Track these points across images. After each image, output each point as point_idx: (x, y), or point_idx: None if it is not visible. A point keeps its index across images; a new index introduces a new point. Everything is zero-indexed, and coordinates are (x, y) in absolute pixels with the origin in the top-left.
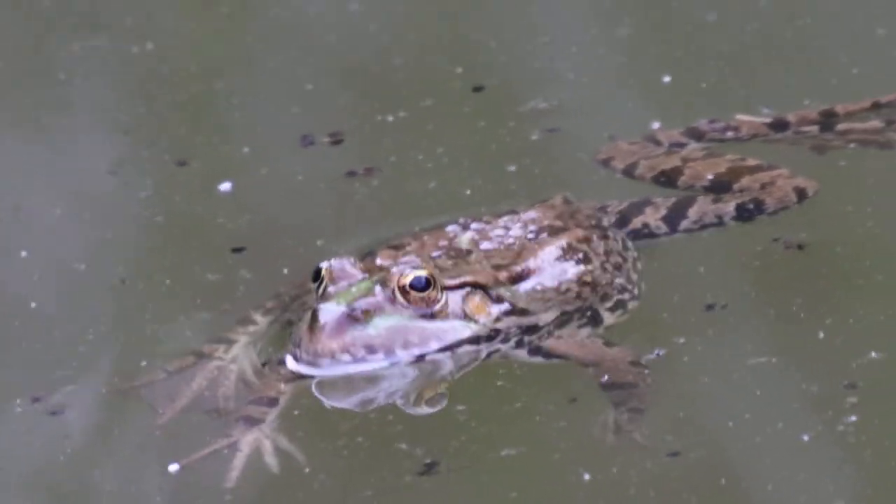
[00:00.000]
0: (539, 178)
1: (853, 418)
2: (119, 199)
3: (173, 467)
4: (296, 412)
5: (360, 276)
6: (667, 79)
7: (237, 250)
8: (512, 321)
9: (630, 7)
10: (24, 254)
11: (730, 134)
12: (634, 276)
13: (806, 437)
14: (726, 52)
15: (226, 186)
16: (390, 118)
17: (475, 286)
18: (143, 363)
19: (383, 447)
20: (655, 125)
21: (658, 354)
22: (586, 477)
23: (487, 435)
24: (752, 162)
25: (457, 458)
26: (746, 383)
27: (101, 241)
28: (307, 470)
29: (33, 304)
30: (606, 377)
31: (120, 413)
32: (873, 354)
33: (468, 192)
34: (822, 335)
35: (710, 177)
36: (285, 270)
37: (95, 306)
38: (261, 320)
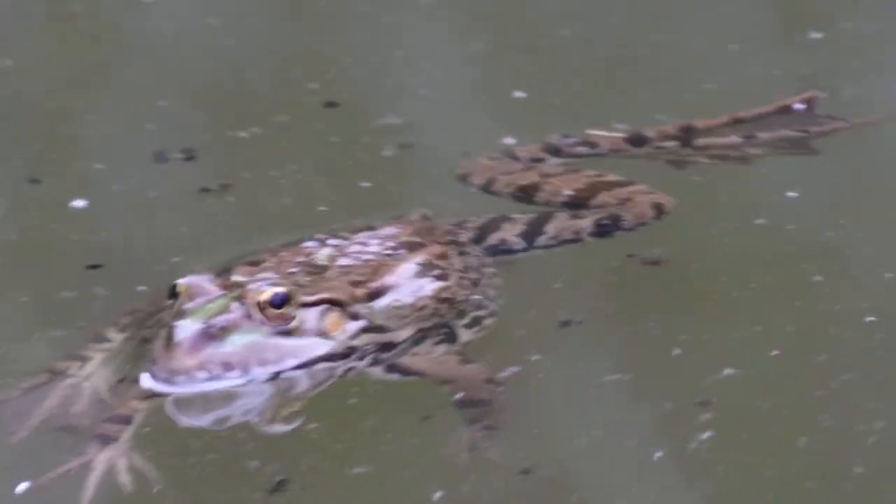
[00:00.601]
0: (393, 195)
1: (706, 435)
2: None
3: (21, 487)
4: (146, 429)
5: (216, 292)
6: (519, 94)
7: (92, 267)
8: (368, 338)
9: (484, 22)
10: None
11: (585, 149)
12: (492, 293)
13: (659, 454)
14: (579, 68)
15: (79, 203)
16: (244, 134)
17: (332, 303)
18: None
19: (234, 464)
20: (509, 140)
21: (510, 372)
22: (437, 495)
23: (339, 453)
24: (610, 178)
25: (308, 475)
26: (600, 400)
27: None
28: (158, 488)
29: None
30: (461, 394)
31: None
32: (727, 371)
33: (322, 208)
34: (676, 352)
35: (568, 192)
36: (141, 287)
37: None
38: (116, 337)
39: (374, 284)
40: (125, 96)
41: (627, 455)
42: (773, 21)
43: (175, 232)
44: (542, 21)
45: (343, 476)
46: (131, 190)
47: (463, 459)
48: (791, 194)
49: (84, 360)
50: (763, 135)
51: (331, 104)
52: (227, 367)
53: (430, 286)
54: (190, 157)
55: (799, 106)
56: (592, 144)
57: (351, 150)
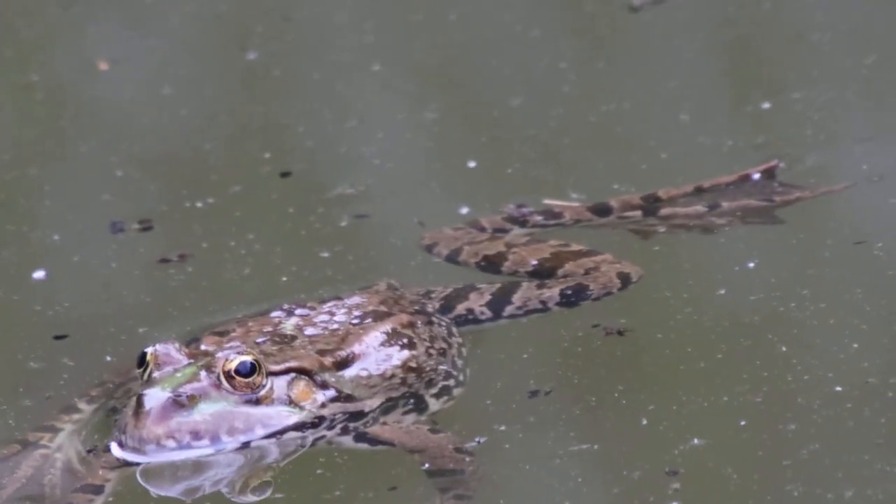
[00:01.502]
0: (353, 264)
1: None
2: None
3: None
4: (111, 499)
5: (185, 361)
6: (472, 164)
7: (59, 337)
8: (337, 407)
9: (436, 91)
10: None
11: (548, 220)
12: (460, 362)
13: None
14: (531, 137)
15: (39, 274)
16: (199, 204)
17: (300, 371)
18: None
19: None
20: (464, 210)
21: (478, 442)
22: None
23: None
24: (575, 247)
25: None
26: (568, 470)
27: None
28: None
29: None
30: (431, 463)
31: None
32: (695, 441)
33: (284, 278)
34: (644, 422)
35: (534, 262)
36: (108, 358)
37: None
38: (85, 408)
39: (342, 353)
40: (81, 166)
41: None
42: (722, 91)
43: (138, 302)
44: (492, 90)
45: None
46: (90, 261)
47: None
48: (751, 265)
49: (55, 430)
50: (727, 204)
51: (285, 174)
52: (196, 436)
53: (397, 355)
54: (146, 227)
55: (756, 175)
56: (556, 214)
57: (307, 220)
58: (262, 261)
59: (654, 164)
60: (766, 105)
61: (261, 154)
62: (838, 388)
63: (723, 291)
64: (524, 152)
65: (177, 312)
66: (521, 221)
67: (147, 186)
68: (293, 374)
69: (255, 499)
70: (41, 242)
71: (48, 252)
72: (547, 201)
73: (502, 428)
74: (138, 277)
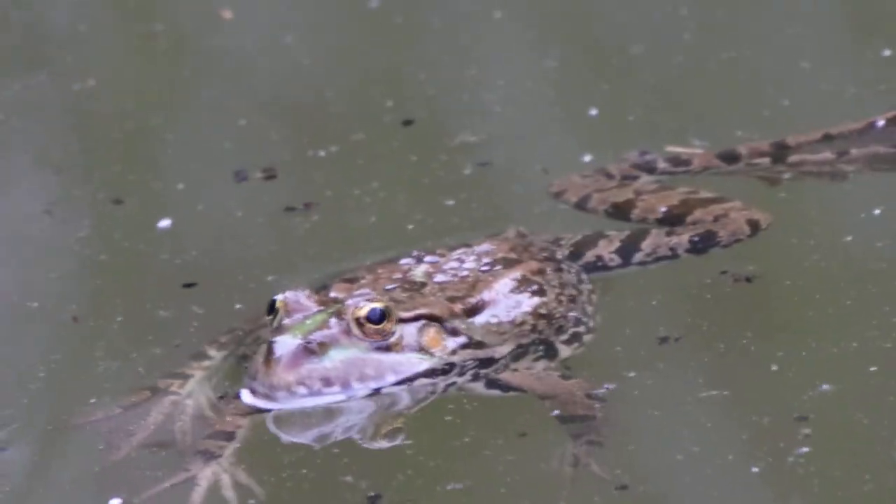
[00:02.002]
0: (478, 212)
1: (804, 450)
2: (57, 238)
3: (114, 502)
4: (237, 445)
5: (315, 308)
6: (593, 111)
7: (188, 286)
8: (467, 354)
9: (557, 39)
10: None
11: (669, 166)
12: (590, 309)
13: (755, 469)
14: (652, 85)
15: (165, 223)
16: (322, 153)
17: (430, 318)
18: (93, 400)
19: (328, 479)
20: (586, 157)
21: (607, 389)
22: None
23: (434, 469)
24: (704, 194)
25: (401, 491)
26: (697, 416)
27: (48, 281)
28: (250, 502)
29: None
30: (562, 410)
31: (63, 450)
32: (825, 387)
33: (410, 226)
34: (773, 368)
35: (662, 209)
36: (237, 305)
37: (47, 344)
38: (215, 355)
39: (472, 300)
40: (205, 116)
41: (724, 470)
42: (843, 39)
43: (265, 250)
44: (612, 38)
45: (436, 492)
46: (215, 209)
47: (566, 474)
48: (877, 211)
49: (185, 377)
50: (855, 151)
51: (407, 122)
52: (327, 382)
53: (527, 302)
54: (270, 175)
55: (881, 122)
56: (684, 162)
57: (429, 168)
58: (387, 209)
59: (776, 111)
60: (887, 52)
61: (383, 102)
62: None
63: (849, 238)
64: (645, 100)
65: (304, 261)
66: (650, 168)
67: (270, 135)
68: (423, 321)
69: (386, 445)
70: (165, 192)
71: (172, 201)
72: (669, 148)
73: (631, 375)
74: (264, 226)
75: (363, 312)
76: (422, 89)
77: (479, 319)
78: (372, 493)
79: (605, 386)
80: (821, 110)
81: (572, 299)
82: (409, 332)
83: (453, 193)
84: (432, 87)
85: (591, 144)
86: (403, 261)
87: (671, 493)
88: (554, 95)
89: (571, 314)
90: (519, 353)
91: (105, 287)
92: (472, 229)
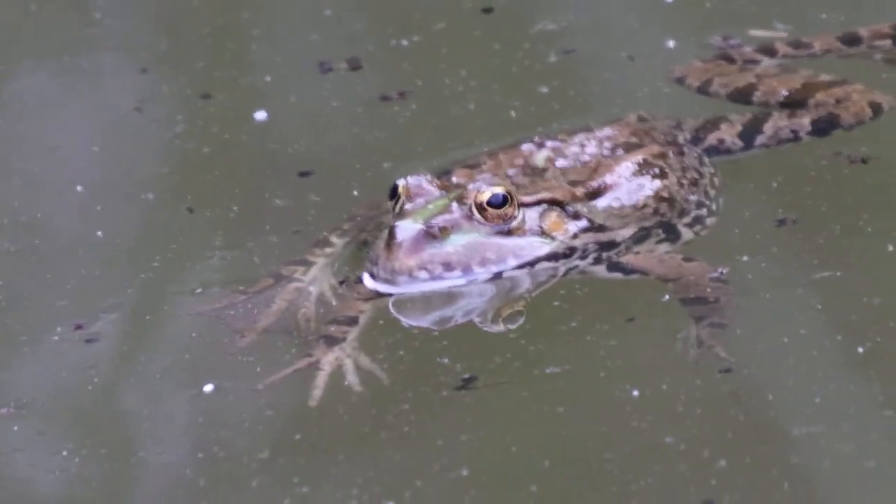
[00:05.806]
0: (577, 99)
1: None
2: (152, 134)
3: (208, 388)
4: (332, 328)
5: (436, 193)
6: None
7: (304, 174)
8: (589, 237)
9: None
10: (79, 188)
11: (791, 50)
12: (712, 192)
13: (861, 350)
14: None
15: (261, 115)
16: (405, 42)
17: (552, 203)
18: (199, 290)
19: (424, 361)
20: (670, 43)
21: (721, 273)
22: (635, 393)
23: (534, 353)
24: (826, 77)
25: (498, 374)
26: (808, 299)
27: (160, 176)
28: (345, 382)
29: (99, 234)
30: (684, 292)
31: (156, 340)
32: None
33: (512, 113)
34: (889, 248)
35: (784, 92)
36: (355, 192)
37: (163, 235)
38: (337, 241)
39: (594, 184)
40: (289, 8)
41: (830, 351)
42: None
43: (374, 138)
44: None
45: (533, 375)
46: (308, 100)
47: (690, 356)
48: None
49: (307, 264)
50: None
51: (487, 10)
52: (448, 266)
53: (649, 185)
54: (355, 66)
55: None
56: (805, 45)
57: (515, 56)
58: (482, 97)
59: None
60: None
61: None
62: None
63: None
64: None
65: (417, 147)
66: (771, 52)
67: (353, 26)
68: (545, 205)
69: (507, 328)
70: (253, 85)
71: (263, 94)
72: (753, 32)
73: (745, 258)
74: (364, 115)
75: (485, 197)
76: None
77: (601, 203)
78: (467, 376)
79: (720, 269)
80: None
81: (694, 182)
82: (530, 216)
83: (545, 81)
84: None
85: (670, 31)
86: (524, 146)
87: (774, 375)
88: None
89: (693, 197)
90: (641, 237)
91: (217, 179)
92: (574, 116)
